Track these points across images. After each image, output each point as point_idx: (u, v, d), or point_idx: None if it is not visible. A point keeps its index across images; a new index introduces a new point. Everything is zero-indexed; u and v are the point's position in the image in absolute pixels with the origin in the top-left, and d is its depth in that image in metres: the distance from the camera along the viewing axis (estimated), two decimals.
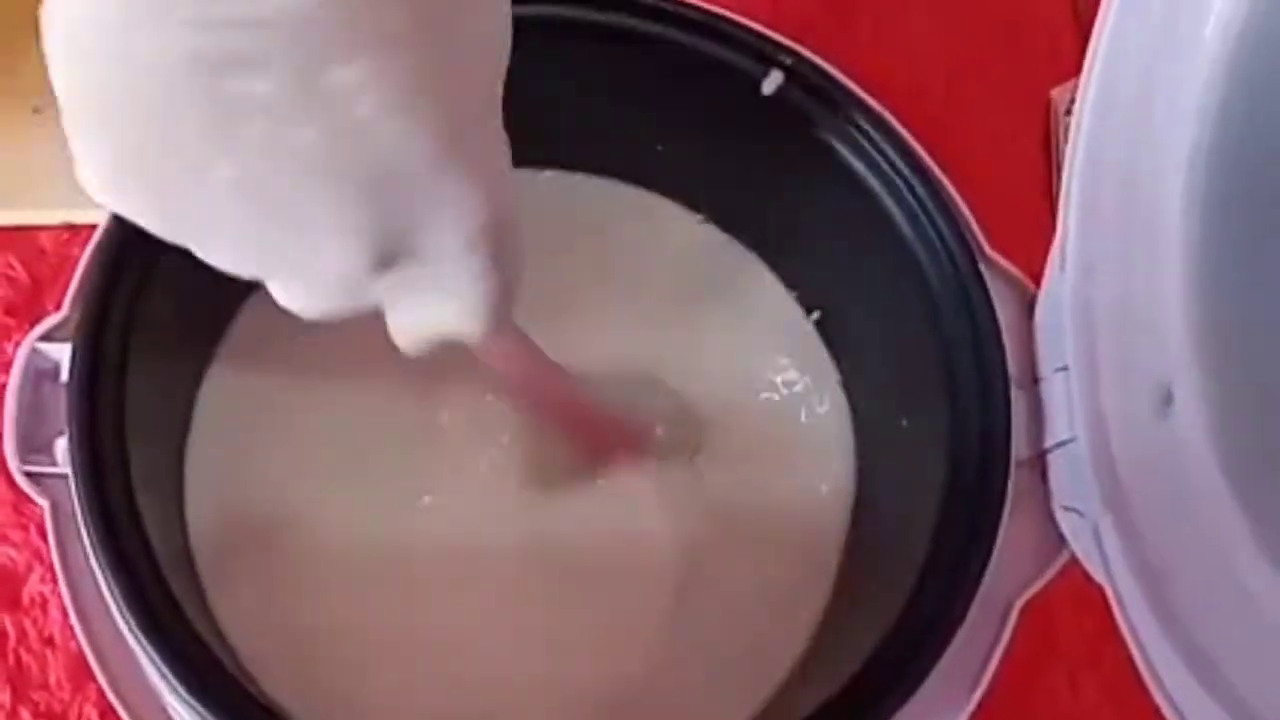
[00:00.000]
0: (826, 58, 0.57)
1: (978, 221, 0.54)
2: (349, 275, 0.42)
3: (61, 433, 0.49)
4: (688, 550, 0.59)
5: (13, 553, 0.63)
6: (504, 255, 0.44)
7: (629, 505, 0.59)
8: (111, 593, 0.47)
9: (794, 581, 0.58)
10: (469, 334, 0.46)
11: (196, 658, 0.46)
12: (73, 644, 0.60)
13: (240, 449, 0.58)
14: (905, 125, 0.56)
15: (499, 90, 0.42)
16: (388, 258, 0.41)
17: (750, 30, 0.55)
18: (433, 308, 0.45)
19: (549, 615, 0.57)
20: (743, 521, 0.59)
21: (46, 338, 0.51)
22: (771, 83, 0.55)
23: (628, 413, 0.60)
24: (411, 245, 0.41)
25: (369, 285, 0.42)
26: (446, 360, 0.56)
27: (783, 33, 0.58)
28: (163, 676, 0.46)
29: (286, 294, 0.43)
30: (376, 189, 0.39)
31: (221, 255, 0.42)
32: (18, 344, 0.62)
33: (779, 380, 0.62)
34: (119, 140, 0.39)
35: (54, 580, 0.60)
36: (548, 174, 0.63)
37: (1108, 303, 0.48)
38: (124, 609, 0.46)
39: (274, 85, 0.36)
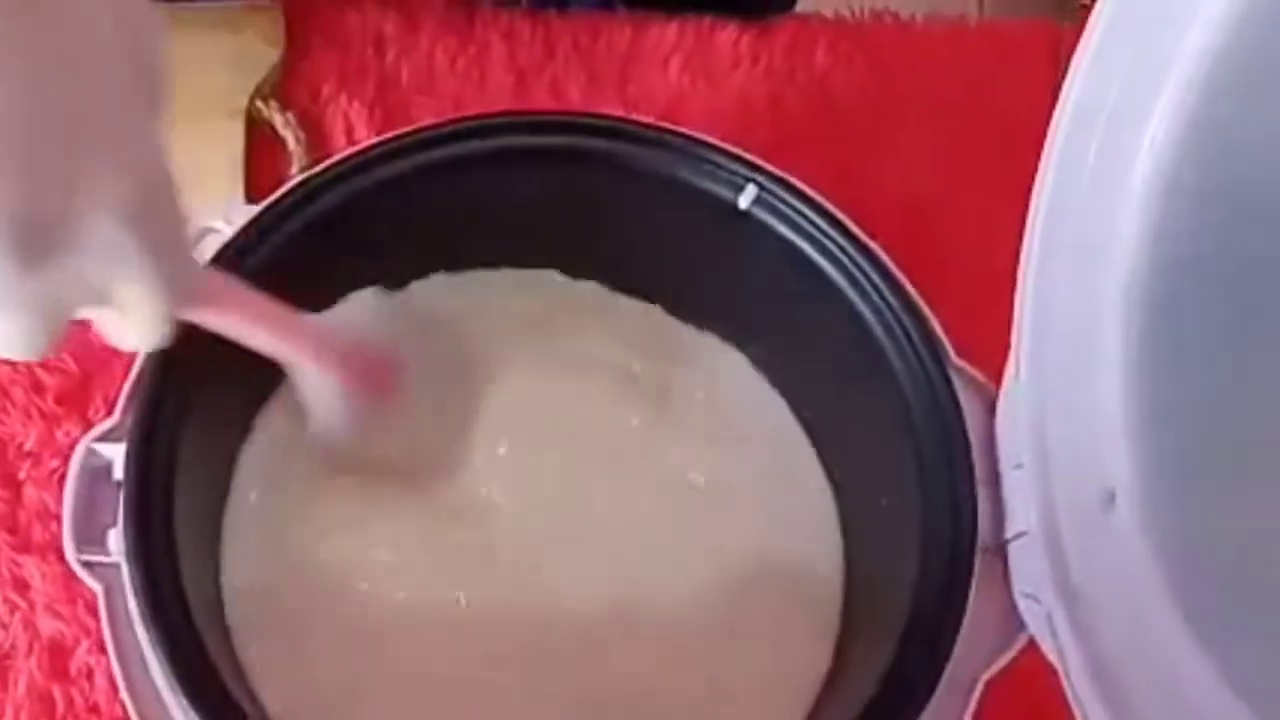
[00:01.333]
0: (820, 165, 0.61)
1: (965, 320, 0.57)
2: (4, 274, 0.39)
3: (113, 524, 0.52)
4: (686, 624, 0.61)
5: (63, 626, 0.65)
6: (163, 225, 0.43)
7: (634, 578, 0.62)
8: (161, 669, 0.50)
9: (791, 656, 0.61)
10: (163, 309, 0.45)
11: None
12: (117, 711, 0.63)
13: (273, 525, 0.61)
14: (894, 229, 0.59)
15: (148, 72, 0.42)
16: (38, 246, 0.39)
17: (726, 152, 0.59)
18: (121, 294, 0.44)
19: (572, 680, 0.60)
20: (740, 599, 0.62)
21: (100, 439, 0.54)
22: (746, 197, 0.59)
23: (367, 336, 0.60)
24: (62, 231, 0.40)
25: (32, 285, 0.40)
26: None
27: (779, 141, 0.62)
28: None
29: None
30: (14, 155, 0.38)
31: None
32: (68, 432, 0.67)
33: (764, 460, 0.65)
34: None
35: (99, 652, 0.63)
36: (548, 274, 0.67)
37: (1057, 409, 0.51)
38: (173, 683, 0.49)
39: None
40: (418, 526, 0.62)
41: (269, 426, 0.63)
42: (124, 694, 0.52)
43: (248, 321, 0.53)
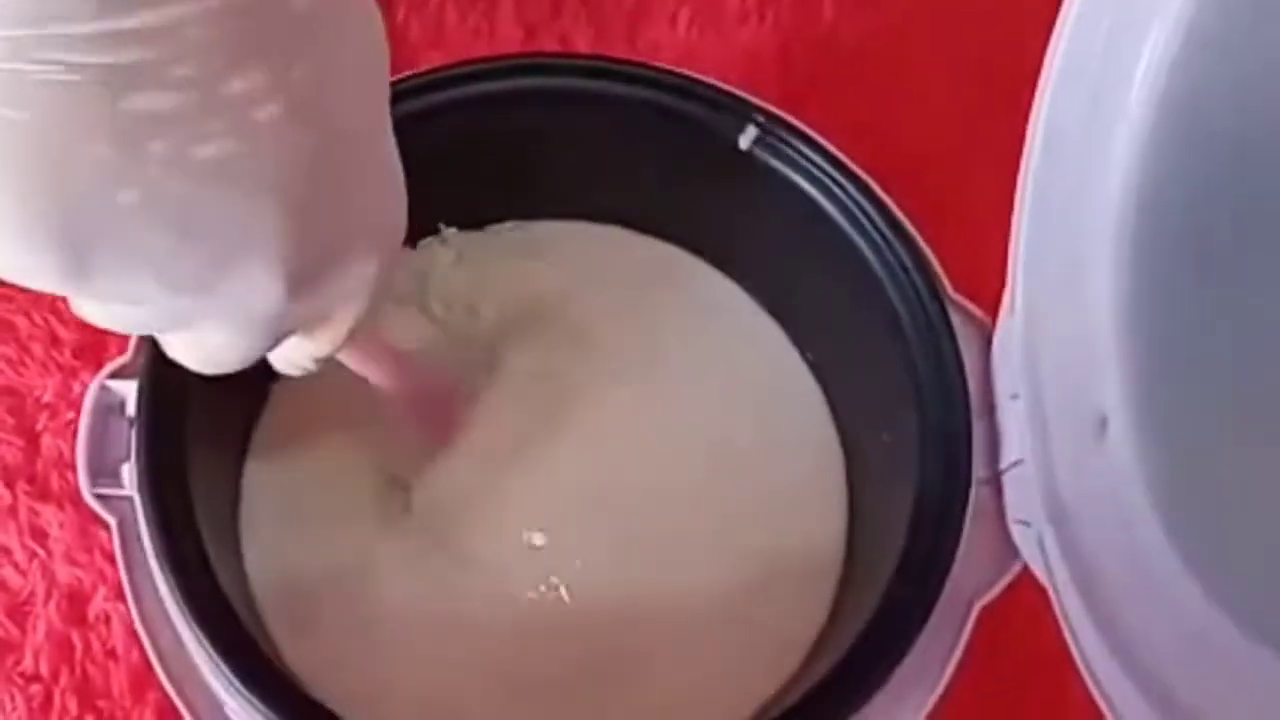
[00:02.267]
0: (829, 118, 0.61)
1: (969, 264, 0.57)
2: (268, 307, 0.41)
3: (126, 459, 0.53)
4: (700, 575, 0.62)
5: (80, 574, 0.66)
6: (389, 272, 0.45)
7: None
8: (172, 597, 0.51)
9: (798, 593, 0.62)
10: (331, 349, 0.47)
11: (248, 651, 0.50)
12: (134, 655, 0.64)
13: (291, 496, 0.62)
14: (904, 179, 0.59)
15: (386, 103, 0.44)
16: (304, 282, 0.41)
17: (727, 92, 0.60)
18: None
19: (580, 659, 0.60)
20: (744, 539, 0.63)
21: (114, 376, 0.55)
22: (747, 138, 0.60)
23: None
24: (328, 266, 0.42)
25: (281, 322, 0.42)
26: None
27: (788, 95, 0.62)
28: (216, 668, 0.50)
29: (198, 343, 0.43)
30: (295, 203, 0.39)
31: (142, 299, 0.39)
32: (84, 384, 0.67)
33: (771, 401, 0.66)
34: (21, 176, 0.35)
35: (117, 598, 0.64)
36: (550, 223, 0.68)
37: (1051, 339, 0.52)
38: (181, 605, 0.50)
39: (175, 99, 0.35)
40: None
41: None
42: (138, 627, 0.53)
43: (371, 357, 0.55)
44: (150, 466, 0.52)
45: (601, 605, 0.61)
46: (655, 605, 0.61)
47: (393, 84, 0.57)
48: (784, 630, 0.61)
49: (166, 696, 0.53)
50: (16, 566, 0.66)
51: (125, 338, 0.56)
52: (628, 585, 0.61)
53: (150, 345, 0.54)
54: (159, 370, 0.54)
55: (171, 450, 0.53)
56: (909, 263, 0.57)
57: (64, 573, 0.66)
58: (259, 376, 0.60)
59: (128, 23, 0.33)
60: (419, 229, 0.67)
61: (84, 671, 0.65)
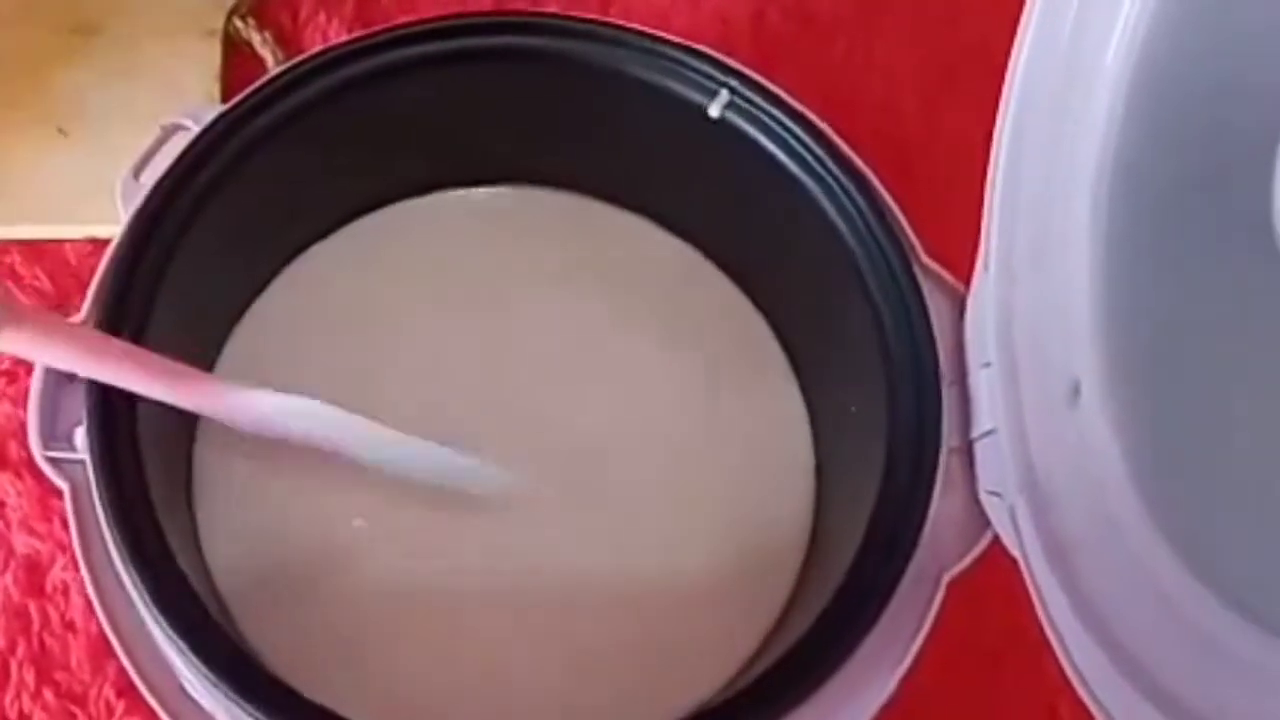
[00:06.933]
0: (801, 84, 0.60)
1: (939, 229, 0.57)
2: None
3: (80, 423, 0.52)
4: (666, 549, 0.62)
5: (38, 543, 0.65)
6: None
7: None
8: (122, 556, 0.50)
9: (764, 565, 0.61)
10: None
11: (201, 620, 0.50)
12: (93, 627, 0.63)
13: (246, 461, 0.61)
14: (876, 147, 0.58)
15: None
16: None
17: (698, 54, 0.59)
18: None
19: (549, 634, 0.60)
20: (711, 511, 0.62)
21: None
22: (718, 104, 0.59)
23: None
24: None
25: None
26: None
27: (761, 61, 0.61)
28: (169, 637, 0.49)
29: None
30: None
31: None
32: None
33: (738, 373, 0.65)
34: None
35: (75, 568, 0.62)
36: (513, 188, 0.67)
37: (1025, 304, 0.51)
38: (133, 571, 0.50)
39: None
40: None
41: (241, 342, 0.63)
42: (90, 593, 0.52)
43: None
44: (102, 429, 0.51)
45: (572, 584, 0.61)
46: (625, 579, 0.61)
47: (356, 40, 0.58)
48: (750, 603, 0.61)
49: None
50: None
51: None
52: (596, 564, 0.61)
53: (103, 305, 0.53)
54: (113, 330, 0.53)
55: (125, 413, 0.52)
56: (878, 227, 0.56)
57: (21, 542, 0.66)
58: (214, 336, 0.62)
59: None
60: (378, 195, 0.66)
61: (42, 643, 0.64)
